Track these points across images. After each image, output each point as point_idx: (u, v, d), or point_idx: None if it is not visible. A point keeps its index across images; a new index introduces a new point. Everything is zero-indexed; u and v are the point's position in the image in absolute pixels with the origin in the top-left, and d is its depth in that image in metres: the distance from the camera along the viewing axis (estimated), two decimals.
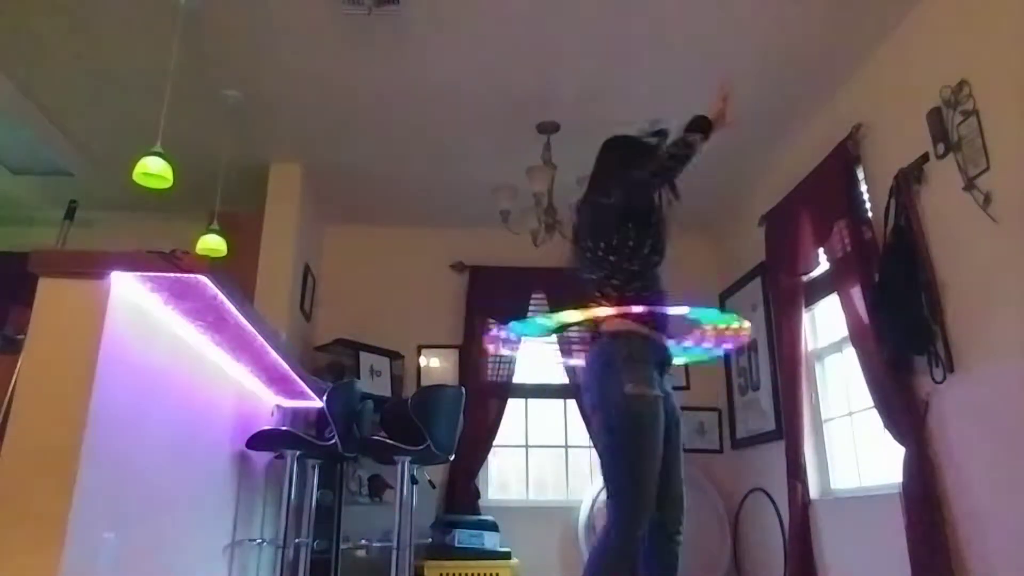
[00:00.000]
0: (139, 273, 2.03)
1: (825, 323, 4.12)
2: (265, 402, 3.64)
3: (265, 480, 3.69)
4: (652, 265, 2.36)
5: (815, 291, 4.07)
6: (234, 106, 4.03)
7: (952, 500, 2.93)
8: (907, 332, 3.07)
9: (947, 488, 2.96)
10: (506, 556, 4.48)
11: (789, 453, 4.02)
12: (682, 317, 2.36)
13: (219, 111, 4.05)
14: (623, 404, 2.20)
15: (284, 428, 3.67)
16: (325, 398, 3.41)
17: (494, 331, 2.18)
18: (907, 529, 3.02)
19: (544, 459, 5.37)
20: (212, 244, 3.87)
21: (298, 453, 3.43)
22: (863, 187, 3.57)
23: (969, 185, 2.86)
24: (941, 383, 2.98)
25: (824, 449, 4.00)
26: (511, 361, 5.20)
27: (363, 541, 3.96)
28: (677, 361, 2.48)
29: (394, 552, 3.32)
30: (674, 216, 2.48)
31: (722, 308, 5.20)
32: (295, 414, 4.04)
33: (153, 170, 3.08)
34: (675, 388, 2.40)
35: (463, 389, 3.65)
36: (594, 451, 5.09)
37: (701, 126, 2.39)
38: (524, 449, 5.33)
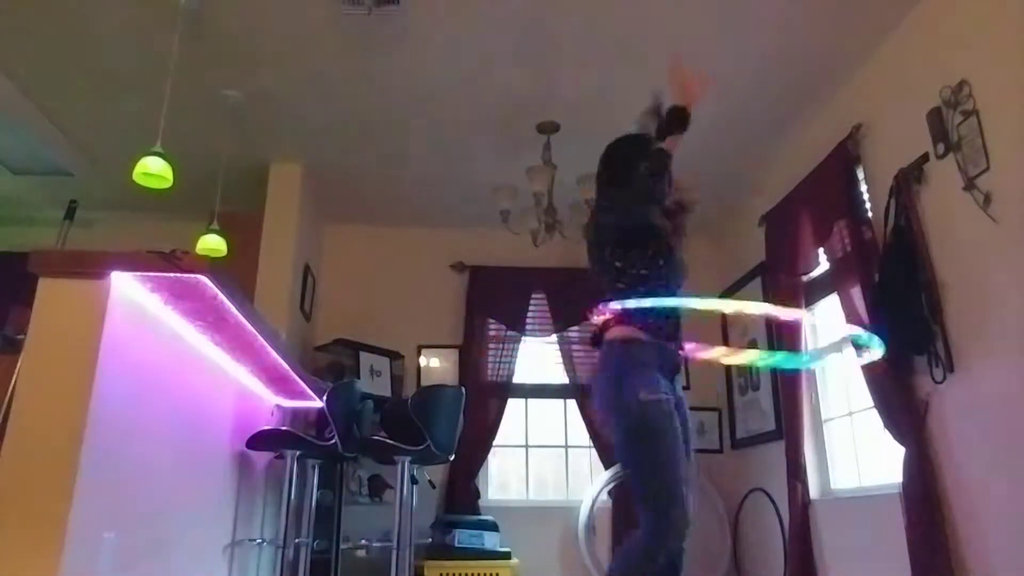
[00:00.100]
0: (139, 273, 2.03)
1: (825, 323, 4.12)
2: (265, 402, 3.64)
3: (265, 480, 3.70)
4: (658, 269, 2.35)
5: (815, 291, 4.07)
6: (234, 106, 4.03)
7: (952, 500, 2.93)
8: (907, 332, 3.07)
9: (947, 488, 2.96)
10: (506, 556, 4.48)
11: (789, 453, 4.02)
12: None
13: (219, 111, 4.05)
14: (638, 411, 2.20)
15: (284, 428, 3.67)
16: (325, 398, 3.41)
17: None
18: (907, 529, 3.02)
19: (544, 459, 5.37)
20: (212, 244, 3.87)
21: (298, 453, 3.43)
22: (863, 187, 3.57)
23: (969, 185, 2.86)
24: (941, 383, 2.99)
25: (824, 449, 4.00)
26: (511, 361, 5.21)
27: (363, 541, 3.96)
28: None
29: (394, 552, 3.32)
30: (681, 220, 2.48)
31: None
32: (295, 414, 4.04)
33: (153, 170, 3.08)
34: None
35: (463, 389, 3.65)
36: (594, 451, 5.10)
37: (678, 118, 2.38)
38: (524, 449, 5.33)
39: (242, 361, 2.99)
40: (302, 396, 3.66)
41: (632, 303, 2.27)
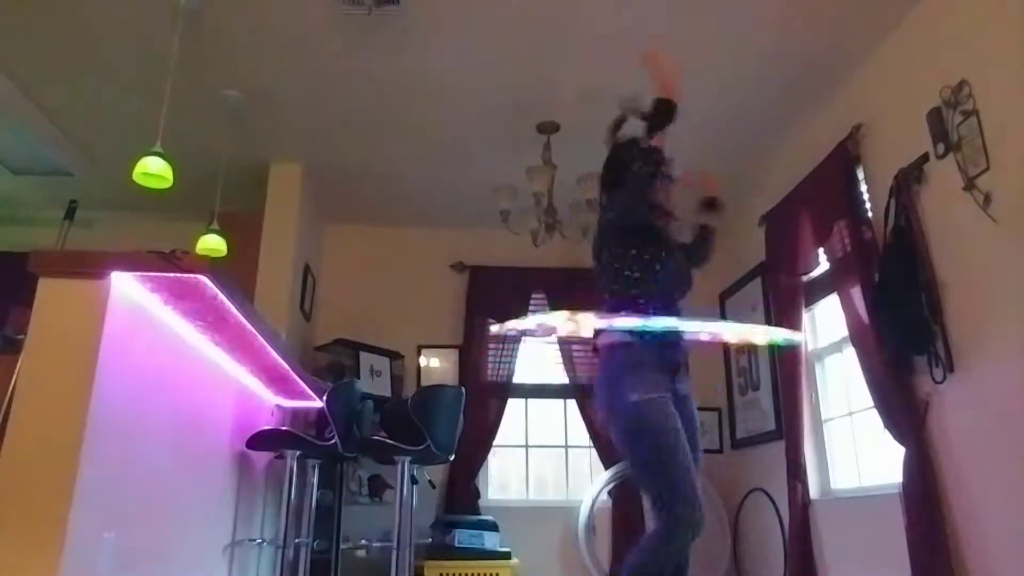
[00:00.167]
0: (139, 273, 2.03)
1: (825, 323, 4.12)
2: (265, 402, 3.64)
3: (265, 480, 3.70)
4: (653, 273, 2.35)
5: (815, 291, 4.07)
6: (234, 106, 4.03)
7: (952, 500, 2.93)
8: (907, 332, 3.07)
9: (947, 488, 2.96)
10: (506, 556, 4.48)
11: (789, 453, 4.02)
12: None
13: (219, 111, 4.05)
14: (634, 412, 2.24)
15: (284, 428, 3.67)
16: (325, 398, 3.41)
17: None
18: (907, 529, 3.02)
19: (544, 459, 5.37)
20: (212, 244, 3.87)
21: (298, 453, 3.43)
22: (863, 187, 3.57)
23: (969, 185, 2.86)
24: (941, 383, 2.98)
25: (824, 449, 4.00)
26: (511, 361, 5.21)
27: (363, 541, 3.96)
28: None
29: (394, 552, 3.32)
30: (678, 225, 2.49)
31: (722, 309, 5.20)
32: (295, 414, 4.04)
33: (153, 170, 3.08)
34: None
35: (463, 389, 3.65)
36: (594, 451, 5.10)
37: (664, 111, 2.40)
38: (524, 449, 5.33)
39: (242, 361, 2.99)
40: (302, 396, 3.66)
41: (617, 322, 2.32)
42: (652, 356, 2.29)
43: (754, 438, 4.69)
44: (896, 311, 3.11)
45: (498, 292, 5.32)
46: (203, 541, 2.89)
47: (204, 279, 2.05)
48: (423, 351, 5.31)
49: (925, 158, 3.12)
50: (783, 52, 3.61)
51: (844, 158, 3.63)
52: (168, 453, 2.49)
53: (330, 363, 4.78)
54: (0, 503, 1.80)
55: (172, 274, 2.01)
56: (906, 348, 3.11)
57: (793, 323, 4.07)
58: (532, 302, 5.35)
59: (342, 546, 3.95)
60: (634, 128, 2.49)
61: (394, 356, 5.07)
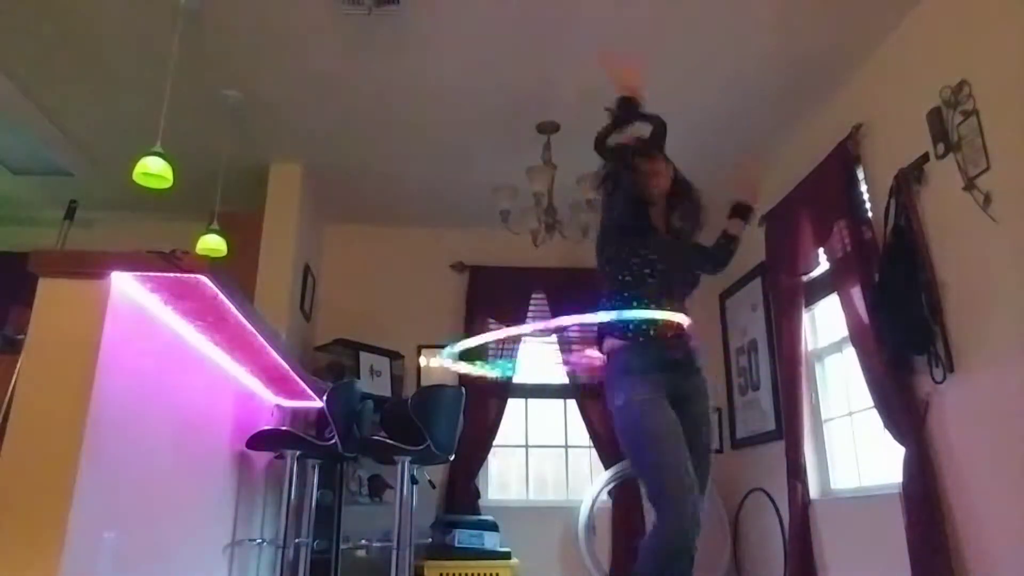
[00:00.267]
0: (139, 273, 2.03)
1: (825, 323, 4.12)
2: (265, 402, 3.64)
3: (265, 480, 3.70)
4: (644, 276, 2.34)
5: (815, 291, 4.07)
6: (234, 106, 4.03)
7: (952, 500, 2.93)
8: (907, 332, 3.07)
9: (947, 488, 2.96)
10: (506, 556, 4.48)
11: (789, 453, 4.02)
12: None
13: (219, 111, 4.05)
14: (623, 414, 2.26)
15: (284, 428, 3.67)
16: (325, 398, 3.41)
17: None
18: (907, 529, 3.02)
19: (544, 459, 5.37)
20: (212, 244, 3.87)
21: (298, 453, 3.43)
22: (863, 187, 3.57)
23: (969, 185, 2.86)
24: (941, 383, 2.98)
25: (824, 449, 4.00)
26: (511, 361, 5.21)
27: (363, 541, 3.96)
28: None
29: (394, 552, 3.32)
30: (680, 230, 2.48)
31: (722, 309, 5.20)
32: (295, 414, 4.04)
33: (153, 170, 3.08)
34: None
35: (463, 389, 3.65)
36: (594, 451, 5.11)
37: (623, 107, 2.40)
38: (524, 449, 5.33)
39: (242, 361, 2.99)
40: (302, 396, 3.66)
41: (619, 306, 2.32)
42: (646, 356, 2.29)
43: (754, 438, 4.69)
44: (896, 311, 3.11)
45: (498, 292, 5.32)
46: (203, 541, 2.89)
47: (204, 279, 2.05)
48: (423, 351, 5.31)
49: (925, 158, 3.12)
50: (783, 52, 3.61)
51: (844, 158, 3.63)
52: (168, 453, 2.49)
53: (330, 363, 4.78)
54: (0, 503, 1.80)
55: (172, 274, 2.01)
56: (906, 348, 3.11)
57: (793, 323, 4.07)
58: (532, 302, 5.35)
59: (342, 546, 3.95)
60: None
61: (394, 356, 5.07)
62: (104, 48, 3.64)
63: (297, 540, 3.49)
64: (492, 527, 4.55)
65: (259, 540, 3.55)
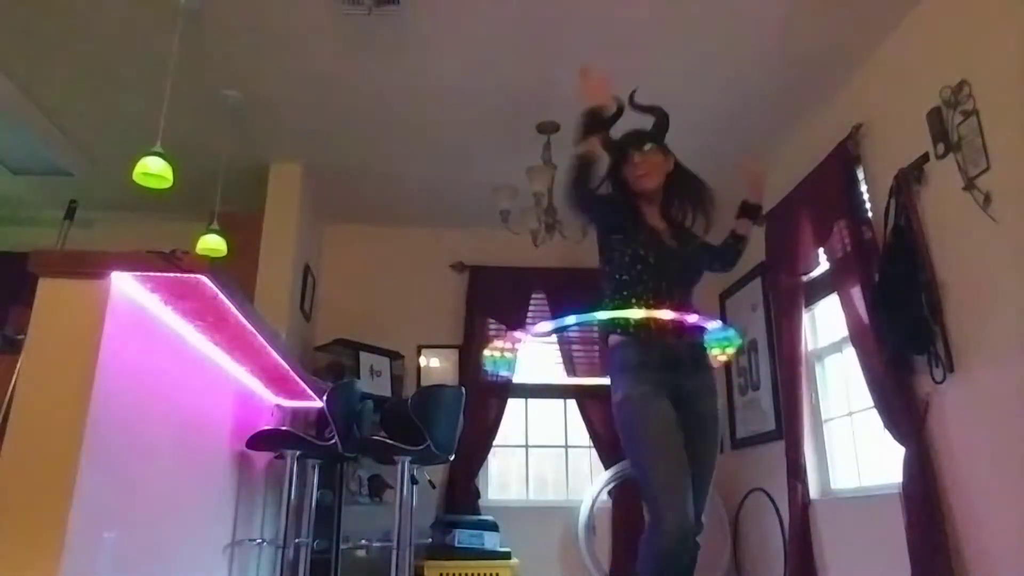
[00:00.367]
0: (139, 273, 2.03)
1: (825, 323, 4.12)
2: (265, 402, 3.64)
3: (265, 480, 3.70)
4: (638, 274, 2.33)
5: (815, 291, 4.07)
6: (234, 106, 4.03)
7: (952, 500, 2.93)
8: (907, 332, 3.07)
9: (947, 488, 2.96)
10: (506, 556, 4.48)
11: (789, 453, 4.02)
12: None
13: (219, 111, 4.05)
14: (616, 412, 2.26)
15: (284, 428, 3.67)
16: (325, 398, 3.41)
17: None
18: (907, 529, 3.02)
19: (544, 459, 5.37)
20: (212, 244, 3.87)
21: (298, 453, 3.43)
22: (863, 187, 3.57)
23: (969, 185, 2.86)
24: (941, 383, 2.98)
25: (824, 449, 4.00)
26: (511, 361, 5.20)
27: (363, 541, 3.96)
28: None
29: (394, 552, 3.32)
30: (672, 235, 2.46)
31: (723, 309, 5.19)
32: (295, 414, 4.04)
33: (153, 170, 3.08)
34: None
35: (463, 389, 3.65)
36: (594, 451, 5.11)
37: (584, 117, 2.38)
38: (524, 449, 5.33)
39: (242, 361, 2.99)
40: (302, 396, 3.66)
41: (617, 305, 2.32)
42: (645, 352, 2.27)
43: (754, 438, 4.69)
44: (896, 311, 3.11)
45: (498, 292, 5.32)
46: (203, 541, 2.89)
47: (204, 279, 2.05)
48: (423, 351, 5.31)
49: (925, 158, 3.12)
50: (783, 52, 3.61)
51: (844, 158, 3.63)
52: (168, 453, 2.49)
53: (330, 363, 4.78)
54: (0, 503, 1.80)
55: (172, 274, 2.01)
56: (906, 348, 3.11)
57: (793, 323, 4.08)
58: (532, 302, 5.34)
59: (342, 546, 3.95)
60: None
61: (394, 356, 5.07)
62: (104, 48, 3.64)
63: (297, 540, 3.49)
64: (492, 527, 4.55)
65: (259, 540, 3.55)
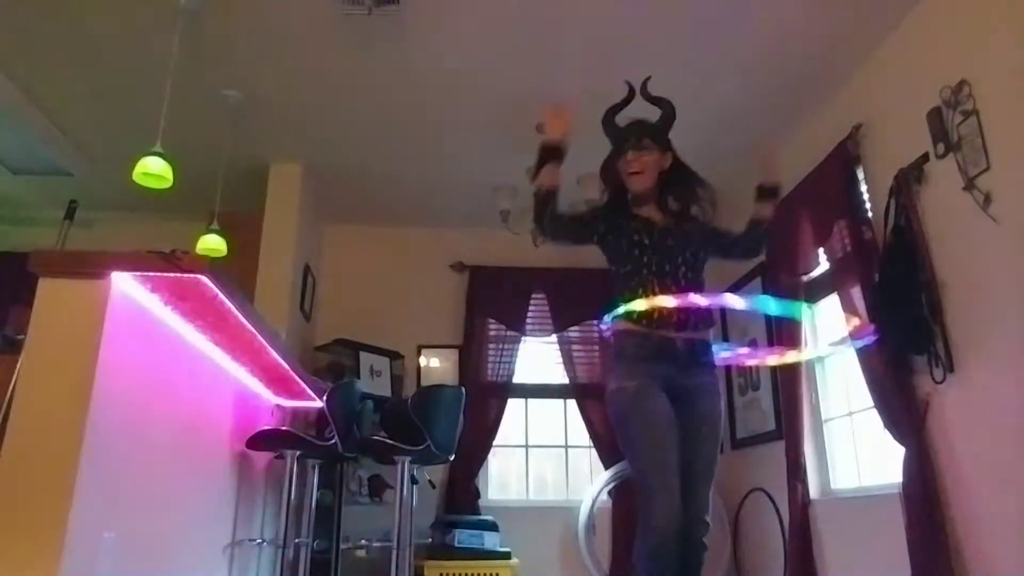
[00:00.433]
0: (139, 273, 2.03)
1: (825, 323, 4.12)
2: (265, 402, 3.64)
3: (265, 480, 3.69)
4: (638, 258, 2.33)
5: (815, 291, 4.06)
6: (234, 106, 4.03)
7: (952, 500, 2.93)
8: (907, 332, 3.07)
9: (947, 488, 2.96)
10: (506, 556, 4.48)
11: (789, 453, 4.01)
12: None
13: (219, 111, 4.05)
14: (609, 401, 2.27)
15: (284, 428, 3.67)
16: (325, 398, 3.41)
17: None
18: (907, 529, 3.02)
19: (544, 459, 5.37)
20: (212, 244, 3.87)
21: (298, 453, 3.43)
22: (863, 187, 3.56)
23: (969, 185, 2.86)
24: (941, 383, 2.98)
25: (824, 449, 4.00)
26: (511, 361, 5.22)
27: (363, 541, 3.96)
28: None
29: (394, 552, 3.32)
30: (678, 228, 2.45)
31: (722, 309, 5.19)
32: (295, 414, 4.04)
33: (153, 170, 3.08)
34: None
35: (463, 389, 3.65)
36: (594, 451, 5.11)
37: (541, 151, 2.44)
38: (524, 449, 5.33)
39: (242, 361, 2.99)
40: (302, 396, 3.66)
41: (624, 297, 2.32)
42: (641, 343, 2.26)
43: (754, 438, 4.69)
44: (896, 311, 3.11)
45: (498, 292, 5.32)
46: (203, 541, 2.89)
47: (204, 279, 2.05)
48: (423, 351, 5.31)
49: (925, 158, 3.12)
50: (783, 52, 3.61)
51: (844, 158, 3.63)
52: (168, 453, 2.49)
53: (330, 363, 4.78)
54: (0, 503, 1.80)
55: (172, 274, 2.01)
56: (906, 348, 3.11)
57: (793, 323, 4.07)
58: (532, 302, 5.35)
59: (342, 546, 3.95)
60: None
61: (394, 356, 5.07)
62: (104, 48, 3.64)
63: (297, 540, 3.49)
64: (492, 527, 4.55)
65: (259, 540, 3.55)
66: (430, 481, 4.13)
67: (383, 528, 3.90)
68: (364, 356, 4.87)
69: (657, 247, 2.33)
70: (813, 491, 3.93)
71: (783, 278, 4.21)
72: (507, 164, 4.49)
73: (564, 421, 5.37)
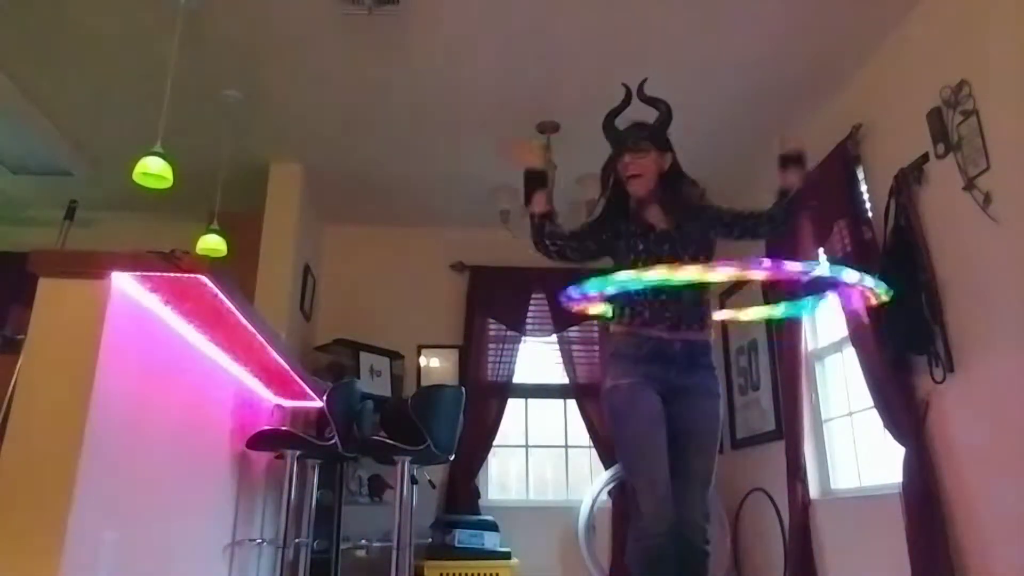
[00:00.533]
0: (139, 273, 2.03)
1: (825, 323, 4.12)
2: (265, 402, 3.64)
3: (265, 480, 3.69)
4: (645, 252, 2.35)
5: (815, 291, 4.06)
6: (234, 106, 4.03)
7: (952, 500, 2.93)
8: (907, 332, 3.07)
9: (947, 488, 2.96)
10: (506, 556, 4.48)
11: (789, 453, 4.02)
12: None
13: (219, 111, 4.05)
14: (604, 399, 2.30)
15: (284, 428, 3.67)
16: (325, 398, 3.41)
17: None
18: (907, 529, 3.02)
19: (544, 459, 5.37)
20: (212, 244, 3.87)
21: (298, 453, 3.43)
22: (863, 187, 3.56)
23: (969, 185, 2.86)
24: (941, 383, 2.98)
25: (824, 449, 4.00)
26: (511, 361, 5.22)
27: (363, 541, 3.96)
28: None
29: (394, 552, 3.32)
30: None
31: (722, 308, 5.19)
32: (295, 414, 4.04)
33: (153, 170, 3.08)
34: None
35: (463, 389, 3.65)
36: (594, 451, 5.11)
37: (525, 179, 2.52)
38: (524, 449, 5.33)
39: (242, 361, 2.99)
40: (302, 396, 3.66)
41: (623, 299, 2.32)
42: (636, 343, 2.27)
43: (754, 438, 4.69)
44: (896, 311, 3.10)
45: (498, 292, 5.32)
46: (203, 541, 2.89)
47: (204, 279, 2.05)
48: (423, 351, 5.32)
49: (925, 158, 3.12)
50: (783, 52, 3.61)
51: (844, 158, 3.63)
52: (168, 453, 2.49)
53: (330, 363, 4.78)
54: (0, 503, 1.80)
55: (172, 274, 2.01)
56: (906, 348, 3.11)
57: (793, 323, 4.07)
58: (532, 302, 5.35)
59: (342, 546, 3.95)
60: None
61: (394, 356, 5.07)
62: (104, 48, 3.64)
63: (297, 540, 3.49)
64: (492, 527, 4.55)
65: (259, 540, 3.55)
66: (430, 481, 4.13)
67: (383, 528, 3.90)
68: (364, 356, 4.87)
69: (652, 253, 2.35)
70: (813, 491, 3.93)
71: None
72: (507, 164, 4.47)
73: (564, 421, 5.37)
